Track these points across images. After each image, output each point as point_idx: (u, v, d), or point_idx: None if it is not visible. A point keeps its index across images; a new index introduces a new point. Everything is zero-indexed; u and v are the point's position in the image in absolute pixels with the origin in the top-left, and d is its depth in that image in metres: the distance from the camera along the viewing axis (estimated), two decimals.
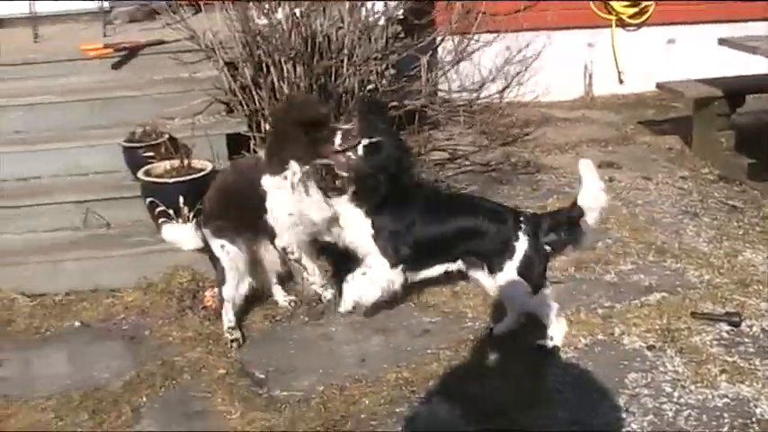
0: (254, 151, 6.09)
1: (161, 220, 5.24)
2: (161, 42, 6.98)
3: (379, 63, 6.22)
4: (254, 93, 6.13)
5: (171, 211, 5.34)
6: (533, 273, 4.50)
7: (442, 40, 6.80)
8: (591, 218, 4.46)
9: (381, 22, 6.37)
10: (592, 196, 4.42)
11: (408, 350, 4.61)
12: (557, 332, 4.54)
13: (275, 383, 4.39)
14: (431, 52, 6.60)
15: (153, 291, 5.33)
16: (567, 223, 4.52)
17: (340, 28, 6.16)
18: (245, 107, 6.20)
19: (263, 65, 6.08)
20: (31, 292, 5.42)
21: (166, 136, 5.87)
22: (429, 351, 4.56)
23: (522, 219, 4.59)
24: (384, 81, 6.26)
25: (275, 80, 6.01)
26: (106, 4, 8.36)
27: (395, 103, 6.23)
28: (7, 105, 6.55)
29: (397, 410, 4.09)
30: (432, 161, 6.52)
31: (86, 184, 6.06)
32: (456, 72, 6.83)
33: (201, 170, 5.55)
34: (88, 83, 6.82)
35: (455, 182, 6.46)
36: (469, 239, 4.60)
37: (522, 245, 4.49)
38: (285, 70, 5.96)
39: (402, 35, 6.53)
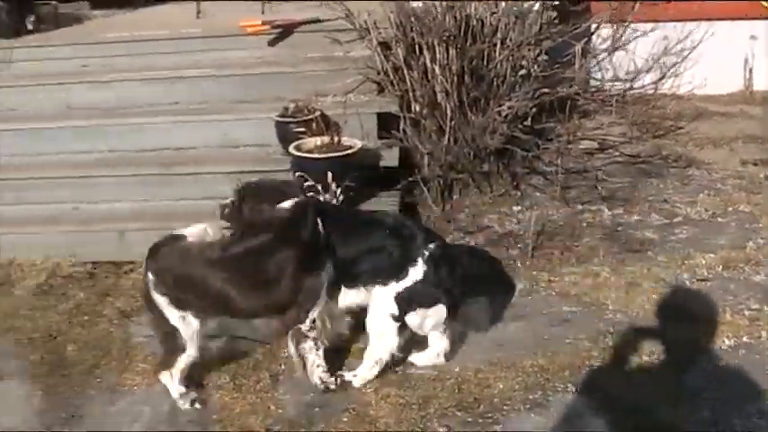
0: (404, 131, 6.14)
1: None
2: (317, 21, 7.10)
3: (532, 48, 6.17)
4: (405, 73, 6.18)
5: (319, 186, 5.47)
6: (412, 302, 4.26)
7: (598, 27, 6.69)
8: None
9: (536, 6, 6.31)
10: None
11: (546, 338, 4.58)
12: (360, 375, 4.28)
13: (411, 361, 4.42)
14: (585, 39, 6.51)
15: None
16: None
17: (494, 12, 6.14)
18: (397, 87, 6.26)
19: (416, 46, 6.12)
20: None
21: (318, 112, 5.98)
22: (567, 341, 4.51)
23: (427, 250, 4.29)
24: (536, 67, 6.20)
25: (427, 62, 6.04)
26: None
27: (546, 90, 6.17)
28: (170, 77, 6.82)
29: (531, 397, 4.07)
30: (580, 150, 6.44)
31: (237, 156, 6.24)
32: (610, 61, 6.71)
33: (350, 147, 5.63)
34: (245, 58, 7.02)
35: (604, 173, 6.36)
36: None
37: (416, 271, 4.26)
38: (438, 52, 5.98)
39: (557, 21, 6.46)
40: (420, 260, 4.25)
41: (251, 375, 4.37)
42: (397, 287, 4.24)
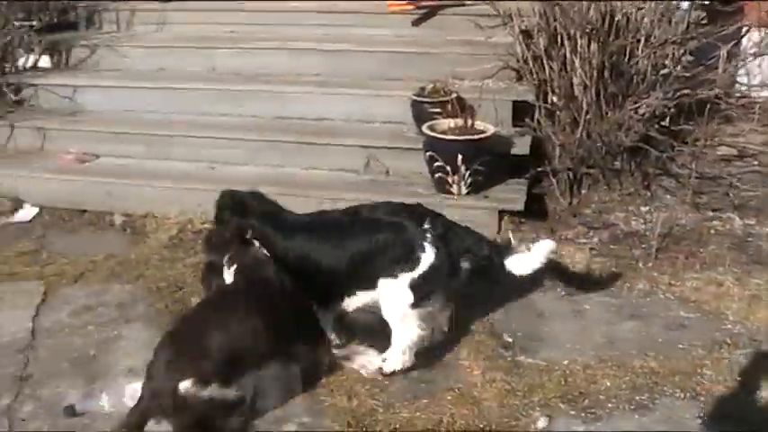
0: (538, 121, 6.11)
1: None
2: (461, 4, 7.14)
3: (676, 48, 6.05)
4: (545, 63, 6.14)
5: (448, 168, 5.53)
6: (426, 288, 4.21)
7: (748, 30, 6.50)
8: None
9: (684, 5, 6.19)
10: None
11: (659, 341, 4.52)
12: (393, 358, 4.24)
13: (521, 349, 4.47)
14: (734, 42, 6.34)
15: None
16: (483, 258, 4.30)
17: (641, 8, 6.05)
18: (535, 76, 6.23)
19: (558, 36, 6.08)
20: None
21: (454, 95, 6.02)
22: (680, 346, 4.45)
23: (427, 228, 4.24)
24: (679, 67, 6.08)
25: (567, 53, 6.00)
26: None
27: (686, 91, 6.05)
28: (312, 49, 6.98)
29: (637, 398, 4.05)
30: (717, 156, 6.29)
31: (372, 132, 6.34)
32: (759, 66, 6.51)
33: (483, 132, 5.68)
34: (388, 36, 7.12)
35: (739, 181, 6.19)
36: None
37: (428, 256, 4.19)
38: (579, 45, 5.93)
39: (704, 21, 6.30)
40: (427, 244, 4.20)
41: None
42: (411, 275, 4.19)
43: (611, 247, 5.54)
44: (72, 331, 4.74)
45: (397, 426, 3.91)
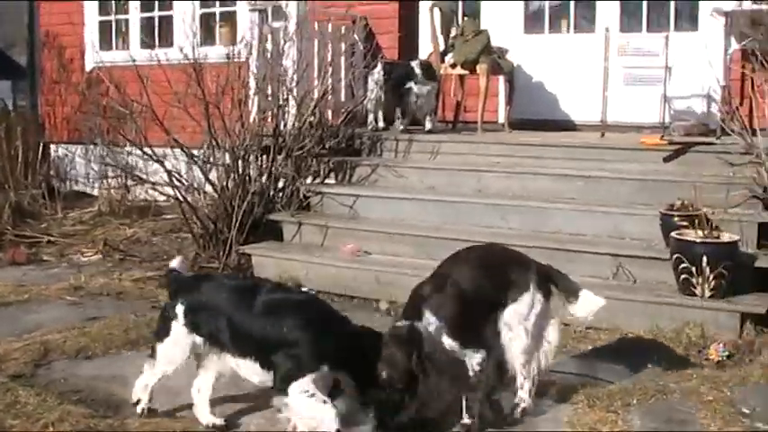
0: None
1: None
2: (710, 143, 7.67)
3: None
4: None
5: (693, 269, 6.00)
6: None
7: None
8: None
9: None
10: None
11: None
12: None
13: (758, 418, 4.72)
14: None
15: (661, 336, 6.00)
16: None
17: None
18: None
19: None
20: None
21: (702, 211, 6.42)
22: None
23: None
24: None
25: None
26: (668, 120, 9.15)
27: None
28: (569, 175, 7.69)
29: None
30: None
31: (621, 244, 6.91)
32: None
33: (729, 241, 6.14)
34: (638, 170, 7.64)
35: None
36: None
37: None
38: None
39: None
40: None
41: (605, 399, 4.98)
42: None
43: None
44: None
45: None
